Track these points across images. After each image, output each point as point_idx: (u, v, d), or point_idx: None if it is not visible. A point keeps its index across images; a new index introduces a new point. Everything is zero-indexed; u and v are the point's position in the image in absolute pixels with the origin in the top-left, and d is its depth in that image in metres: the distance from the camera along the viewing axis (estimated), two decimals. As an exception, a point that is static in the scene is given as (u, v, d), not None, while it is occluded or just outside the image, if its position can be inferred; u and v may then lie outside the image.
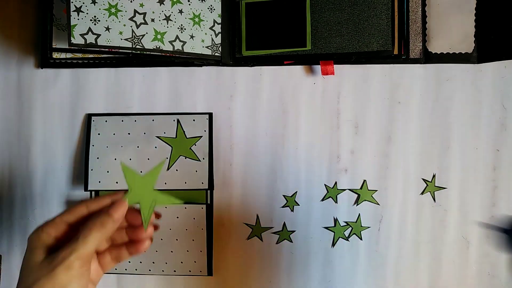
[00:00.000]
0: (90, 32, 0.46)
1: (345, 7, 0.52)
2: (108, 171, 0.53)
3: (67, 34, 0.46)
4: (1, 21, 0.55)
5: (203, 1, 0.52)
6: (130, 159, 0.54)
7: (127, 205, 0.40)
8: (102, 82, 0.55)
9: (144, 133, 0.54)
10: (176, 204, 0.48)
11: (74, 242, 0.35)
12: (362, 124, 0.54)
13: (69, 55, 0.52)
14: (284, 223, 0.55)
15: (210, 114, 0.54)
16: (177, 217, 0.54)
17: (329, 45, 0.52)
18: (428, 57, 0.54)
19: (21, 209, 0.55)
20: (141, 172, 0.53)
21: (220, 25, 0.54)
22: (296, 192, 0.55)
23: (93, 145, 0.54)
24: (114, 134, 0.54)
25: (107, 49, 0.47)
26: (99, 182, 0.53)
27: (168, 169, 0.53)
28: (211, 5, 0.53)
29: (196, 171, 0.54)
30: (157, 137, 0.54)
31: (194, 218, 0.54)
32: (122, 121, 0.54)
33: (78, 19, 0.46)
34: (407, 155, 0.54)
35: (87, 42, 0.46)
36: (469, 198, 0.54)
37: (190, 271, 0.54)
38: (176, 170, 0.54)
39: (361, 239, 0.55)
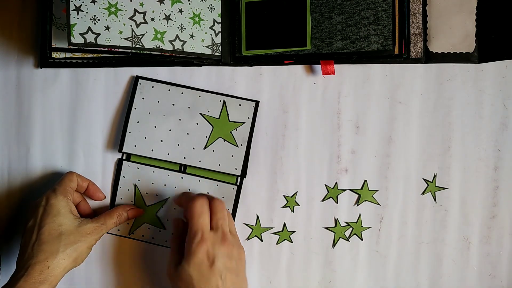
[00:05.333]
0: (89, 32, 0.46)
1: (345, 7, 0.51)
2: (145, 137, 0.53)
3: (67, 34, 0.45)
4: (0, 20, 0.55)
5: (203, 1, 0.52)
6: (170, 130, 0.53)
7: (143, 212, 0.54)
8: (101, 82, 0.55)
9: (189, 107, 0.54)
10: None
11: (97, 221, 0.51)
12: (362, 124, 0.54)
13: (68, 55, 0.52)
14: (284, 224, 0.55)
15: (257, 102, 0.54)
16: (207, 192, 0.54)
17: (330, 45, 0.52)
18: (429, 57, 0.53)
19: (20, 209, 0.55)
20: (178, 144, 0.53)
21: (220, 25, 0.53)
22: (296, 192, 0.55)
23: (135, 108, 0.53)
24: (158, 101, 0.54)
25: (106, 49, 0.47)
26: (135, 146, 0.53)
27: (205, 147, 0.53)
28: (211, 5, 0.53)
29: (232, 155, 0.53)
30: (201, 114, 0.54)
31: (223, 197, 0.54)
32: (169, 90, 0.54)
33: (78, 18, 0.46)
34: (408, 155, 0.54)
35: (87, 42, 0.46)
36: (470, 199, 0.54)
37: None
38: (213, 150, 0.53)
39: (361, 239, 0.55)
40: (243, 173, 0.53)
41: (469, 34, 0.53)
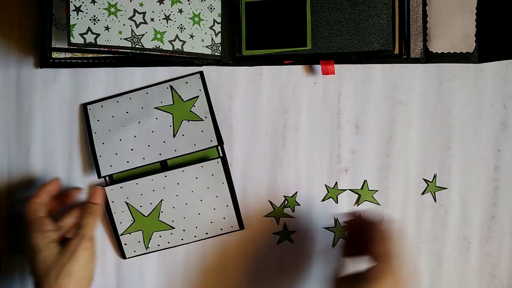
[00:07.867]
0: (89, 32, 0.46)
1: (345, 7, 0.51)
2: (116, 153, 0.53)
3: (67, 34, 0.45)
4: (1, 20, 0.55)
5: (203, 1, 0.52)
6: (135, 136, 0.53)
7: (104, 190, 0.53)
8: (101, 82, 0.55)
9: (142, 108, 0.54)
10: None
11: (77, 236, 0.47)
12: (362, 124, 0.54)
13: (68, 55, 0.52)
14: (285, 223, 0.55)
15: (201, 73, 0.54)
16: (196, 178, 0.54)
17: (330, 45, 0.52)
18: (429, 57, 0.53)
19: (20, 209, 0.55)
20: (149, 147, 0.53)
21: (220, 25, 0.53)
22: (296, 192, 0.55)
23: (95, 133, 0.54)
24: (113, 116, 0.54)
25: (106, 49, 0.47)
26: (110, 166, 0.53)
27: (174, 136, 0.53)
28: (211, 5, 0.53)
29: (202, 130, 0.53)
30: (156, 108, 0.54)
31: (212, 174, 0.53)
32: (118, 102, 0.54)
33: (78, 18, 0.46)
34: (408, 155, 0.54)
35: (87, 42, 0.46)
36: (470, 198, 0.54)
37: (221, 229, 0.54)
38: (183, 135, 0.53)
39: (361, 239, 0.55)
40: (220, 141, 0.53)
41: (469, 34, 0.53)
